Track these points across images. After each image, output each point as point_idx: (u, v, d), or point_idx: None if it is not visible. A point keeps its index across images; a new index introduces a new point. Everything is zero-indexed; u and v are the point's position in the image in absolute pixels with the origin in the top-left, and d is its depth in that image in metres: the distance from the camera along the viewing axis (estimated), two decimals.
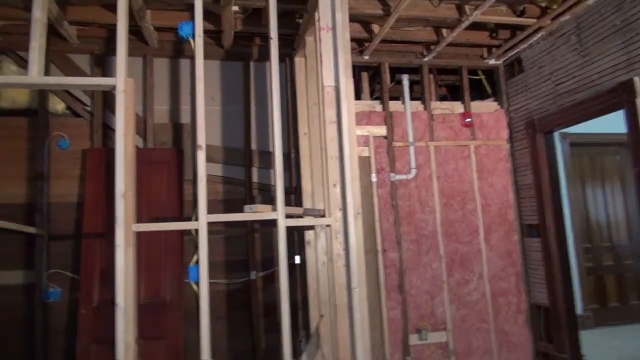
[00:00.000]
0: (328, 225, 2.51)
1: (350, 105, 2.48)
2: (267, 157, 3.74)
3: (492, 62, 4.21)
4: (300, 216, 2.75)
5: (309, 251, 3.37)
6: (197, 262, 2.24)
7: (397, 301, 3.68)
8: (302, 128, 3.53)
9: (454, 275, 3.83)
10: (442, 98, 4.34)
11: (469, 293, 3.83)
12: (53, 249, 3.32)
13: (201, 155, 2.29)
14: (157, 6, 3.17)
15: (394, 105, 4.01)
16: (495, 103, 4.24)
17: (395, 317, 3.65)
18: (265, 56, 3.81)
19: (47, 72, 3.37)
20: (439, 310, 3.75)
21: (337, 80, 2.51)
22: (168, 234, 3.28)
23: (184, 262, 3.37)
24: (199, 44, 2.36)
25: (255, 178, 3.70)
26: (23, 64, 3.41)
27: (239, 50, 3.72)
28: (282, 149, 2.43)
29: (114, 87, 2.24)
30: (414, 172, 3.89)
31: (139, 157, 3.38)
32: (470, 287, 3.84)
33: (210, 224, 2.25)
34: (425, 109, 4.07)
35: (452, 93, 4.37)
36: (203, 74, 2.33)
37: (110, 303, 3.22)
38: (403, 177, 3.88)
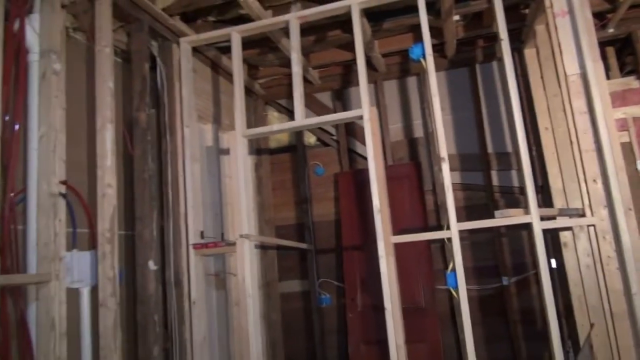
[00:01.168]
0: (591, 225, 2.29)
1: (603, 91, 2.24)
2: (504, 159, 3.62)
3: None
4: (553, 217, 2.58)
5: (567, 254, 3.09)
6: (452, 269, 2.32)
7: None
8: (543, 122, 3.30)
9: None
10: None
11: None
12: (320, 261, 3.88)
13: (445, 167, 2.39)
14: (383, 35, 3.43)
15: None
16: None
17: None
18: (489, 57, 3.72)
19: None
20: None
21: (582, 67, 2.31)
22: (417, 243, 3.46)
23: (433, 269, 3.51)
24: (430, 63, 2.48)
25: (494, 181, 3.61)
26: (281, 109, 4.14)
27: (463, 57, 3.72)
28: (527, 149, 2.35)
29: (360, 117, 2.54)
30: None
31: None
32: None
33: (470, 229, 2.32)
34: None
35: None
36: (437, 90, 2.43)
37: (372, 308, 3.59)
38: None
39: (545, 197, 3.39)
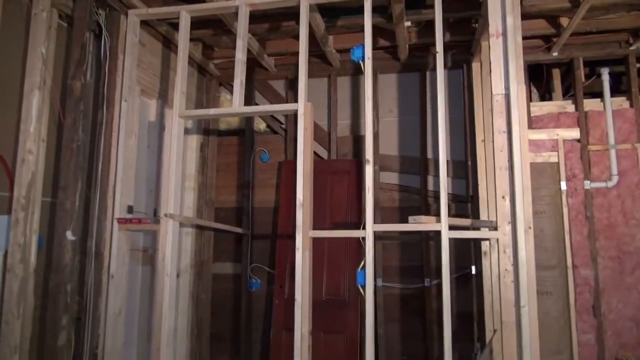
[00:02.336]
0: (496, 239, 2.42)
1: (522, 114, 2.35)
2: None
3: None
4: (467, 228, 2.70)
5: (485, 262, 3.27)
6: (363, 267, 2.43)
7: (591, 325, 3.27)
8: (479, 135, 3.45)
9: None
10: None
11: None
12: (255, 246, 3.94)
13: (369, 169, 2.47)
14: (337, 31, 3.48)
15: (589, 104, 3.57)
16: None
17: (587, 342, 3.26)
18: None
19: (252, 99, 4.05)
20: None
21: (507, 88, 2.41)
22: (348, 238, 3.56)
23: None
24: (368, 66, 2.55)
25: (430, 186, 3.73)
26: None
27: (415, 62, 3.81)
28: (446, 159, 2.48)
29: (296, 111, 2.59)
30: (615, 179, 3.40)
31: (323, 168, 3.79)
32: None
33: (385, 231, 2.42)
34: (631, 105, 3.52)
35: None
36: (372, 94, 2.51)
37: None
38: (601, 184, 3.43)
39: (475, 207, 3.53)
